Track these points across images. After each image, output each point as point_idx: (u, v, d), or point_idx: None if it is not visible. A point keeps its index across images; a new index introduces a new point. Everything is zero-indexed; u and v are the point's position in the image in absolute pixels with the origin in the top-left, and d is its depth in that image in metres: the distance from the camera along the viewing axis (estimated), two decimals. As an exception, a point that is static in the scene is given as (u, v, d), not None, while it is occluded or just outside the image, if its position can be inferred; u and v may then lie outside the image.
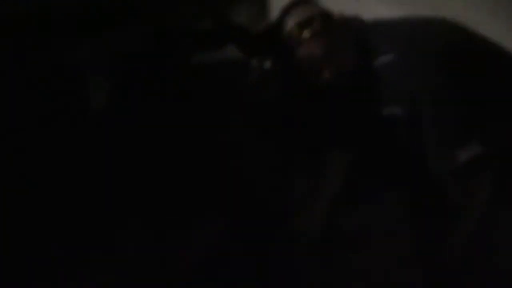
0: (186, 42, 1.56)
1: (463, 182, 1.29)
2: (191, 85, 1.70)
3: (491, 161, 1.27)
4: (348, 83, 1.45)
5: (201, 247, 1.72)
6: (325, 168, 1.63)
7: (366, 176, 1.58)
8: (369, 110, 1.41)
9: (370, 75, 1.38)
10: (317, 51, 1.39)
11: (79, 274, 1.26)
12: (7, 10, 1.20)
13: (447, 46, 1.38)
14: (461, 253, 1.29)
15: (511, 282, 1.33)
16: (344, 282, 1.71)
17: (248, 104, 1.82)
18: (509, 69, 1.42)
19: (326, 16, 1.43)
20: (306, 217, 1.74)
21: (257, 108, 1.76)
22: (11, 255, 1.19)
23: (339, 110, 1.57)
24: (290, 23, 1.42)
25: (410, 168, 1.41)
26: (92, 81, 1.28)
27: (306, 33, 1.39)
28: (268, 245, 1.75)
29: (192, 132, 1.72)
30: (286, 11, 1.53)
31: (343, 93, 1.50)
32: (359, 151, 1.57)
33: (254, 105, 1.76)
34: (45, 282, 1.22)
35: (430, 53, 1.34)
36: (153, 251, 1.45)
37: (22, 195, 1.21)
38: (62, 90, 1.20)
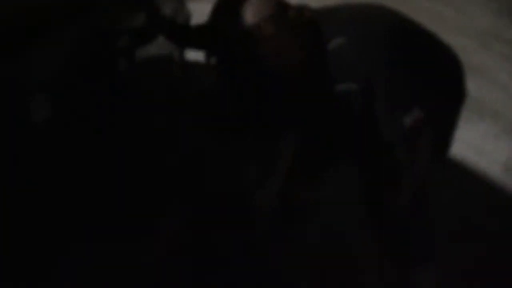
0: (123, 40, 1.60)
1: (409, 142, 1.39)
2: (132, 82, 1.73)
3: (429, 122, 1.37)
4: (304, 68, 1.53)
5: (165, 237, 1.76)
6: (278, 147, 1.68)
7: (319, 149, 1.65)
8: (326, 89, 1.48)
9: (324, 57, 1.46)
10: (282, 44, 1.46)
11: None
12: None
13: (388, 27, 1.48)
14: (407, 203, 1.38)
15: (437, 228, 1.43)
16: (303, 247, 1.78)
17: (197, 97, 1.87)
18: (434, 44, 1.53)
19: (283, 9, 1.49)
20: (262, 194, 1.80)
21: (208, 99, 1.81)
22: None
23: (294, 92, 1.64)
24: (252, 18, 1.47)
25: (363, 137, 1.49)
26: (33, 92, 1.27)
27: (270, 29, 1.45)
28: (230, 225, 1.80)
29: (142, 129, 1.76)
30: (230, 4, 1.59)
31: (298, 77, 1.58)
32: (313, 128, 1.64)
33: (205, 97, 1.82)
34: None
35: (376, 34, 1.45)
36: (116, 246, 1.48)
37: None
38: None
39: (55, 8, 1.36)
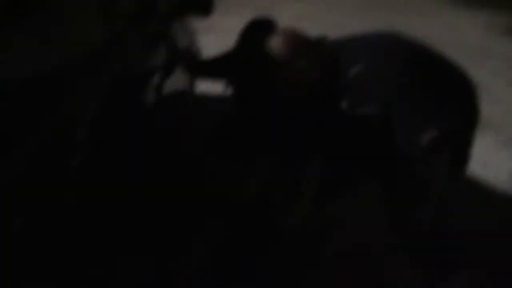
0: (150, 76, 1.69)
1: (426, 159, 1.49)
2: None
3: (444, 140, 1.46)
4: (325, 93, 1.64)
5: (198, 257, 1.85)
6: (304, 171, 1.76)
7: (342, 171, 1.73)
8: (347, 112, 1.58)
9: (344, 83, 1.57)
10: (306, 73, 1.57)
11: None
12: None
13: (403, 53, 1.59)
14: (429, 217, 1.46)
15: (464, 240, 1.52)
16: (330, 260, 1.85)
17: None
18: (448, 67, 1.64)
19: (306, 41, 1.60)
20: (291, 219, 1.88)
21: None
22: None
23: (319, 116, 1.73)
24: (281, 50, 1.57)
25: (384, 156, 1.58)
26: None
27: (302, 62, 1.56)
28: (263, 243, 1.88)
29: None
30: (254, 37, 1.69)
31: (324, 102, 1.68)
32: (336, 149, 1.73)
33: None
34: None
35: (391, 60, 1.56)
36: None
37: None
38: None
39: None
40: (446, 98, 1.62)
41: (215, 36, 5.48)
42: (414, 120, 1.55)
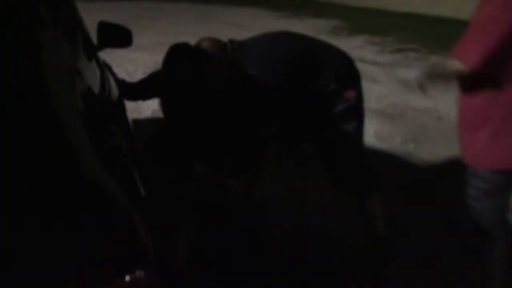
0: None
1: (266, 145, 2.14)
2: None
3: (280, 134, 2.06)
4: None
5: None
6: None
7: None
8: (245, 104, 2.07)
9: (244, 82, 2.07)
10: (226, 69, 2.07)
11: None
12: None
13: (283, 58, 2.12)
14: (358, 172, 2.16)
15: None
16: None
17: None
18: (328, 45, 2.25)
19: (224, 46, 2.11)
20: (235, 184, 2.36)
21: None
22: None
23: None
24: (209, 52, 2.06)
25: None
26: None
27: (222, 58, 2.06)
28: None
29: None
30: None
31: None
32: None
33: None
34: None
35: (274, 65, 2.07)
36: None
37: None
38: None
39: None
40: (343, 68, 2.21)
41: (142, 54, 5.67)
42: (267, 116, 2.13)
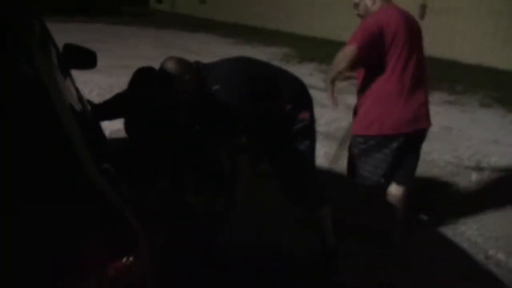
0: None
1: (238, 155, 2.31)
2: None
3: (251, 144, 2.25)
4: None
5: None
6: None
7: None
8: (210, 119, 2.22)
9: (208, 98, 2.20)
10: (189, 85, 2.25)
11: None
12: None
13: (244, 76, 2.30)
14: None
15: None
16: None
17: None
18: (283, 71, 2.44)
19: (189, 66, 2.28)
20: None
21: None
22: None
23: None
24: (174, 72, 2.22)
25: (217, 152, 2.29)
26: None
27: (187, 76, 2.25)
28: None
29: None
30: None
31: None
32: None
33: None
34: None
35: (236, 81, 2.23)
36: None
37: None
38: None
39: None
40: (294, 91, 2.40)
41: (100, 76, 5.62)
42: (240, 127, 2.29)
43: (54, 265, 0.89)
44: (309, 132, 2.37)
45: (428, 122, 2.53)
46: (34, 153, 1.02)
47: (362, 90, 2.55)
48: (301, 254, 2.55)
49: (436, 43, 8.48)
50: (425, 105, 2.50)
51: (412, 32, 2.42)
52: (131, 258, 0.91)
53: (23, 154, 1.01)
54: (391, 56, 2.38)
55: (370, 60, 2.40)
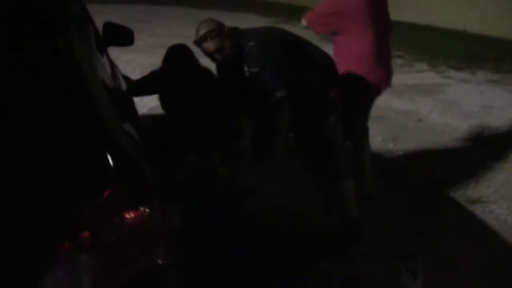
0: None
1: (278, 108, 2.30)
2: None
3: (295, 98, 2.27)
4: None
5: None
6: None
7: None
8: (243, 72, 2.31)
9: (243, 53, 2.30)
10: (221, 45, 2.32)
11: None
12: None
13: (278, 38, 2.36)
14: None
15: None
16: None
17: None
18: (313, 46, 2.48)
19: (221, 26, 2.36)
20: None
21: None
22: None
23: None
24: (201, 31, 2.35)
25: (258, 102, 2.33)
26: None
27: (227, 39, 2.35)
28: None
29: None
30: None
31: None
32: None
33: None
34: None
35: (272, 41, 2.30)
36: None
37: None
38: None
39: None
40: (296, 67, 2.42)
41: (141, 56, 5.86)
42: (275, 81, 2.30)
43: (71, 211, 1.01)
44: (336, 107, 2.44)
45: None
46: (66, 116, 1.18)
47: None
48: (322, 223, 2.63)
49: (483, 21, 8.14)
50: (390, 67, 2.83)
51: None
52: (146, 209, 1.03)
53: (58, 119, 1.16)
54: (356, 25, 2.62)
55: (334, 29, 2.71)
